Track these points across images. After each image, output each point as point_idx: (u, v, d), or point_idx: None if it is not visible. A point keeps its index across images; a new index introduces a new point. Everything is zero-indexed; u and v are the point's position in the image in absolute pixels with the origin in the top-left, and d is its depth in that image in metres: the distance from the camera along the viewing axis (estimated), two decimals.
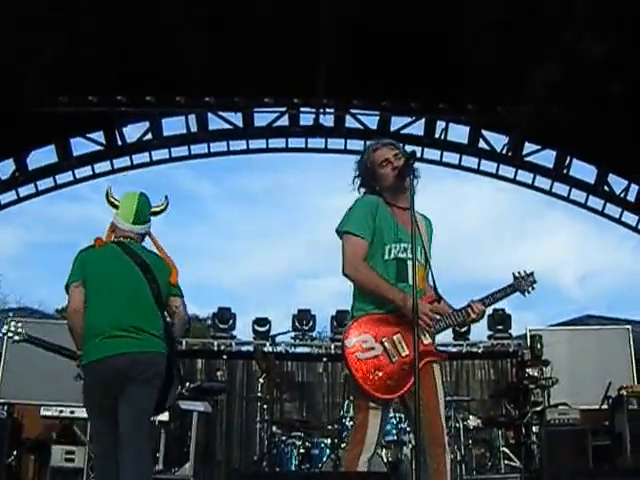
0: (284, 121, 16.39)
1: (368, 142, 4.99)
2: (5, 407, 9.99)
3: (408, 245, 4.40)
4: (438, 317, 4.40)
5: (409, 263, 4.40)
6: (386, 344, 4.29)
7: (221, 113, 16.16)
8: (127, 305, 4.89)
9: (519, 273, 4.75)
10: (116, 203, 5.30)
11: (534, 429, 10.66)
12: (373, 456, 4.36)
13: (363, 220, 4.49)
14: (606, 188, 16.87)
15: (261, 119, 16.37)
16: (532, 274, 4.79)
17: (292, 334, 13.34)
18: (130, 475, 4.58)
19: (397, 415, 8.33)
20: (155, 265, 5.11)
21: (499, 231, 65.26)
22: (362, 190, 4.73)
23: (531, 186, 17.21)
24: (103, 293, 4.92)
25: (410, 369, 4.18)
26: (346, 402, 8.91)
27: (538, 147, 16.74)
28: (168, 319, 5.16)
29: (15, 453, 9.82)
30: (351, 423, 8.34)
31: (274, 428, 9.42)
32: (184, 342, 13.22)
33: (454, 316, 4.50)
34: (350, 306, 4.58)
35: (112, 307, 4.85)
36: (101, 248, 5.14)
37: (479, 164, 17.03)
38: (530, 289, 4.77)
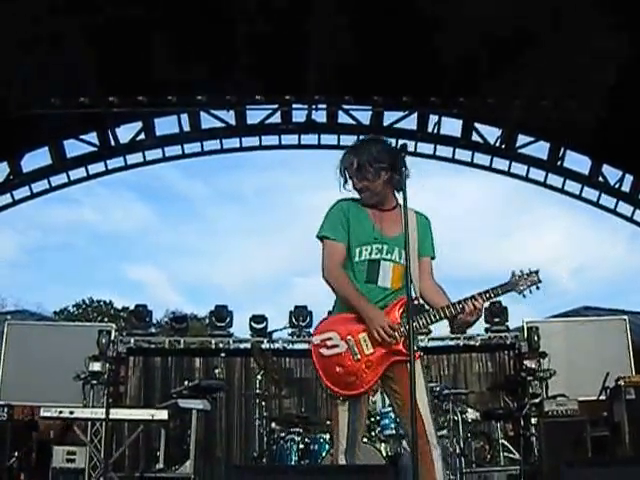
0: (276, 118, 16.38)
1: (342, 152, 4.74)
2: (5, 409, 9.99)
3: (384, 246, 4.50)
4: (394, 333, 4.31)
5: (383, 264, 4.50)
6: (350, 342, 4.37)
7: (213, 111, 16.17)
8: None
9: (520, 272, 4.44)
10: None
11: (532, 421, 10.70)
12: (351, 448, 4.43)
13: (337, 223, 4.58)
14: (600, 179, 16.91)
15: (253, 117, 16.40)
16: (536, 273, 4.47)
17: (289, 330, 13.33)
18: None
19: None
20: None
21: (491, 224, 65.27)
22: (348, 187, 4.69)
23: (525, 178, 17.22)
24: None
25: (375, 366, 4.35)
26: None
27: (531, 139, 16.76)
28: None
29: (16, 454, 9.83)
30: None
31: (273, 424, 9.45)
32: (182, 341, 13.23)
33: (441, 312, 4.45)
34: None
35: None
36: None
37: (473, 157, 17.06)
38: (530, 290, 4.44)
